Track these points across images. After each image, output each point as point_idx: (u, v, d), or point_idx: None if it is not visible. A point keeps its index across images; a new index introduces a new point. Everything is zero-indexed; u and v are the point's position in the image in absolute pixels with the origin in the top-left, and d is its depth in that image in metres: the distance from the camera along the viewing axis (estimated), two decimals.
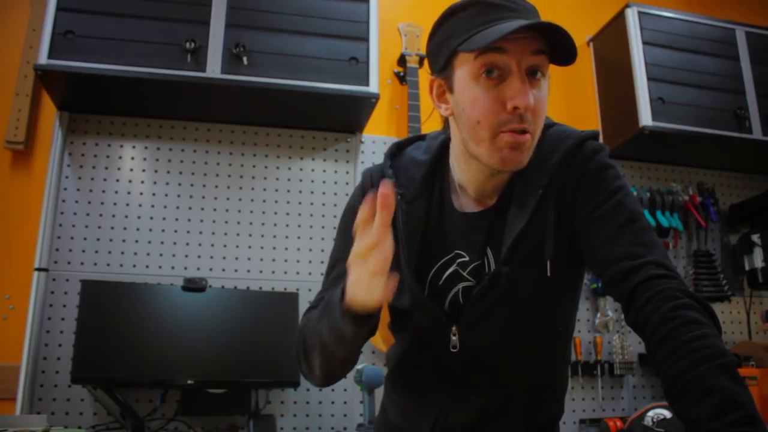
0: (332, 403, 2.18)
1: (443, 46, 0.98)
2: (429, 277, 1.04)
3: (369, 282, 0.83)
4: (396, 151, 1.13)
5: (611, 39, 2.66)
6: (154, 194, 2.21)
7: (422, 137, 1.16)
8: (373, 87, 2.11)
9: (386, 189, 0.81)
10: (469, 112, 0.95)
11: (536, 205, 0.98)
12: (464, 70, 0.95)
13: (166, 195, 2.22)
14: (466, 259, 1.02)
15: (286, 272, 2.26)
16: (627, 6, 2.53)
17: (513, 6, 0.93)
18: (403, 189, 1.06)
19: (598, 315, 2.50)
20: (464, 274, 1.02)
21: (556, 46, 0.92)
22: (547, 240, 0.98)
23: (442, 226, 1.05)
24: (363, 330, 0.90)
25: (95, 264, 2.10)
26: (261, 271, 2.24)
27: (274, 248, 2.27)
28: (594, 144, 1.02)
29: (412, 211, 1.04)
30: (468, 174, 1.03)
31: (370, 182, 1.12)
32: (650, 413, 2.00)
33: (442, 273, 1.03)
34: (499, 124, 0.92)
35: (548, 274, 0.97)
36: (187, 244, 2.19)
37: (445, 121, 1.07)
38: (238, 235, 2.25)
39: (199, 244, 2.20)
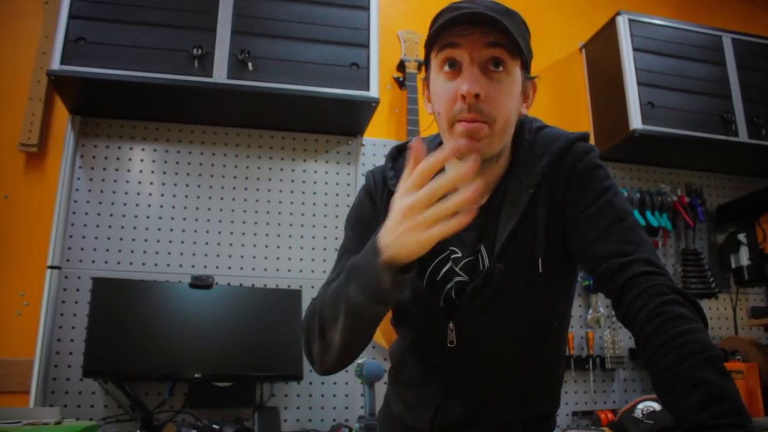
0: (334, 396, 2.18)
1: (425, 51, 1.02)
2: (427, 274, 1.04)
3: (410, 232, 0.78)
4: (396, 154, 1.15)
5: (603, 45, 2.65)
6: (162, 195, 2.21)
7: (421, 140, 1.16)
8: (374, 92, 2.11)
9: (416, 143, 0.82)
10: (435, 105, 0.99)
11: (527, 203, 0.98)
12: (433, 67, 0.99)
13: (174, 196, 2.22)
14: (459, 255, 1.03)
15: (289, 270, 2.26)
16: (618, 14, 2.53)
17: (479, 8, 0.93)
18: None
19: (590, 311, 2.50)
20: (457, 269, 1.02)
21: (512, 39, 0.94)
22: (538, 238, 0.98)
23: None
24: (404, 281, 0.85)
25: (106, 262, 2.10)
26: (265, 269, 2.24)
27: (278, 247, 2.27)
28: (584, 145, 1.02)
29: None
30: None
31: (372, 182, 1.13)
32: (640, 406, 1.99)
33: (440, 269, 1.04)
34: (454, 114, 0.95)
35: (540, 270, 0.97)
36: (194, 243, 2.19)
37: None
38: (243, 234, 2.25)
39: (206, 243, 2.20)
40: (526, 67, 1.00)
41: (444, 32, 0.94)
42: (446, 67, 0.95)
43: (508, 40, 0.93)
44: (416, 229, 0.78)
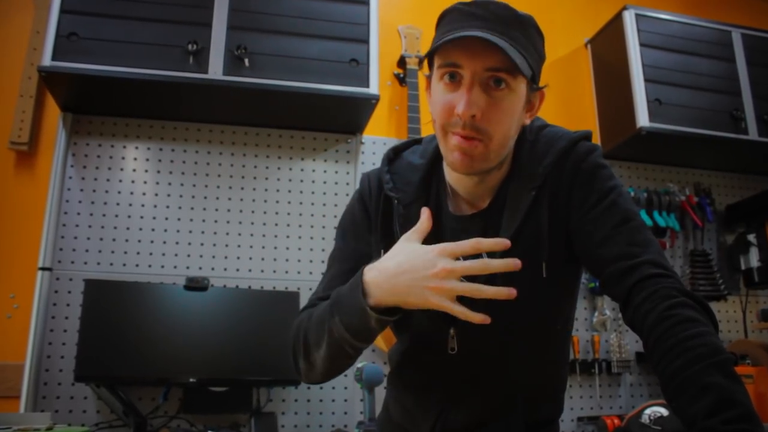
0: (333, 400, 2.18)
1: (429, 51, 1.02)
2: None
3: (430, 291, 0.86)
4: (393, 156, 1.14)
5: (609, 41, 2.65)
6: (156, 194, 2.20)
7: (419, 141, 1.16)
8: (373, 88, 2.11)
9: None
10: (432, 111, 1.00)
11: (529, 206, 0.98)
12: (435, 72, 0.99)
13: (169, 195, 2.22)
14: (462, 260, 1.02)
15: (286, 271, 2.26)
16: (624, 8, 2.53)
17: (486, 15, 0.93)
18: (401, 193, 1.06)
19: (596, 314, 2.50)
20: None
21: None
22: (541, 241, 0.98)
23: (439, 229, 1.05)
24: (388, 322, 0.91)
25: (98, 263, 2.10)
26: (262, 271, 2.24)
27: (275, 248, 2.27)
28: (586, 144, 1.02)
29: (409, 215, 1.04)
30: (455, 177, 1.04)
31: (368, 186, 1.13)
32: (647, 411, 2.00)
33: None
34: (448, 125, 0.96)
35: (543, 275, 0.97)
36: (189, 243, 2.19)
37: None
38: (239, 234, 2.25)
39: (201, 244, 2.20)
40: (533, 79, 1.00)
41: (447, 44, 0.93)
42: (446, 78, 0.95)
43: (511, 63, 0.92)
44: (441, 292, 0.86)
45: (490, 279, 0.97)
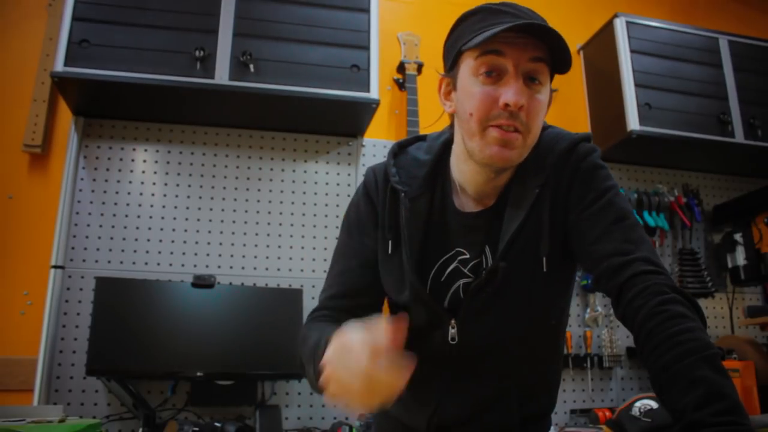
0: None
1: (452, 48, 0.99)
2: (432, 274, 1.03)
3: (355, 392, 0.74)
4: (398, 151, 1.12)
5: (601, 47, 2.65)
6: (165, 195, 2.20)
7: (423, 138, 1.15)
8: (374, 93, 2.10)
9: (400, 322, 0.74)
10: (465, 106, 0.96)
11: (532, 204, 0.98)
12: (467, 68, 0.96)
13: (177, 196, 2.21)
14: (467, 256, 1.02)
15: (290, 270, 2.25)
16: (616, 16, 2.53)
17: (518, 14, 0.93)
18: (407, 187, 1.05)
19: (588, 310, 2.49)
20: (465, 270, 1.02)
21: (555, 55, 0.93)
22: (542, 238, 0.97)
23: (444, 224, 1.04)
24: None
25: (109, 262, 2.09)
26: (267, 269, 2.23)
27: (279, 247, 2.26)
28: (586, 146, 1.02)
29: (415, 209, 1.03)
30: (467, 175, 1.03)
31: (373, 179, 1.11)
32: (637, 404, 1.99)
33: (444, 269, 1.03)
34: (489, 119, 0.92)
35: (544, 269, 0.97)
36: (197, 242, 2.19)
37: (451, 123, 1.07)
38: (245, 234, 2.24)
39: (208, 243, 2.20)
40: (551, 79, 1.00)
41: (490, 37, 0.90)
42: (485, 72, 0.93)
43: (550, 54, 0.92)
44: (370, 395, 0.74)
45: (491, 273, 0.97)
